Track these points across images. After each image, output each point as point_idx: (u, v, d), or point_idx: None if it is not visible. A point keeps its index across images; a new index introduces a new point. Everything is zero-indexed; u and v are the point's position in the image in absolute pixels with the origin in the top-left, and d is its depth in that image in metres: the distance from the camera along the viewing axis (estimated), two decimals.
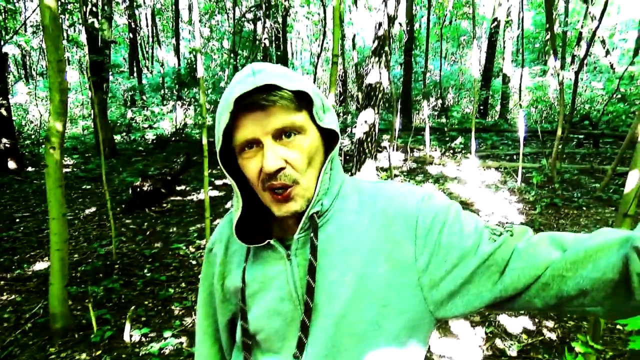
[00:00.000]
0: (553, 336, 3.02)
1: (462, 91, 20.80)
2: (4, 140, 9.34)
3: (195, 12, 4.13)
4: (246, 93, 0.70)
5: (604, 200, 6.19)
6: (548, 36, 8.12)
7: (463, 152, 10.73)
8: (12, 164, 9.44)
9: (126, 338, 2.94)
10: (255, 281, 0.83)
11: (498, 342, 2.96)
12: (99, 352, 2.80)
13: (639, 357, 1.74)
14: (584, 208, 5.95)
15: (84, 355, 2.80)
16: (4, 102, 9.15)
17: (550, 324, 3.18)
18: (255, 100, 0.70)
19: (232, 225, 0.83)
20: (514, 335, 3.05)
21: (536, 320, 3.23)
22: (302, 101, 0.75)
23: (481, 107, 16.69)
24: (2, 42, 9.80)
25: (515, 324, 3.19)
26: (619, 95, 10.68)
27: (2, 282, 3.96)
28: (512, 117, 17.06)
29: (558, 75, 7.22)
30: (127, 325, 2.95)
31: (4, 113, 9.28)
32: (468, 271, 0.72)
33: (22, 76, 21.31)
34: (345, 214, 0.81)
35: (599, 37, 12.72)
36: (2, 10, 16.25)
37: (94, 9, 10.73)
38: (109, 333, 3.00)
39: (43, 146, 11.58)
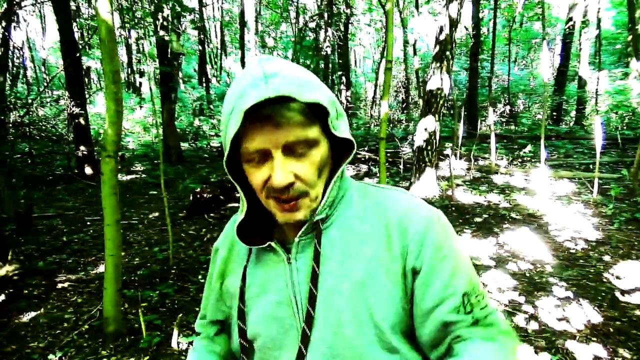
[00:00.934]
0: None
1: (533, 97, 19.75)
2: (82, 147, 10.00)
3: (252, 24, 4.16)
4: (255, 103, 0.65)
5: None
6: (630, 37, 7.46)
7: (532, 161, 10.12)
8: (88, 170, 10.07)
9: (174, 345, 2.95)
10: (255, 283, 0.82)
11: None
12: (146, 358, 2.83)
13: None
14: None
15: None
16: (82, 112, 9.80)
17: (627, 354, 2.83)
18: (268, 114, 0.66)
19: (234, 230, 0.81)
20: None
21: (609, 348, 2.88)
22: (317, 111, 0.70)
23: (554, 114, 15.73)
24: (82, 57, 10.54)
25: (586, 350, 2.87)
26: None
27: (67, 284, 4.16)
28: (588, 124, 15.92)
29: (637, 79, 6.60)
30: (175, 332, 2.97)
31: (82, 122, 9.93)
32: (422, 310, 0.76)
33: (101, 88, 22.84)
34: (349, 220, 0.80)
35: None
36: (86, 27, 17.53)
37: (165, 23, 11.27)
38: (157, 339, 3.03)
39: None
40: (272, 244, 0.79)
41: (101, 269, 4.56)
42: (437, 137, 6.93)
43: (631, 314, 3.33)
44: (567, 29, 15.18)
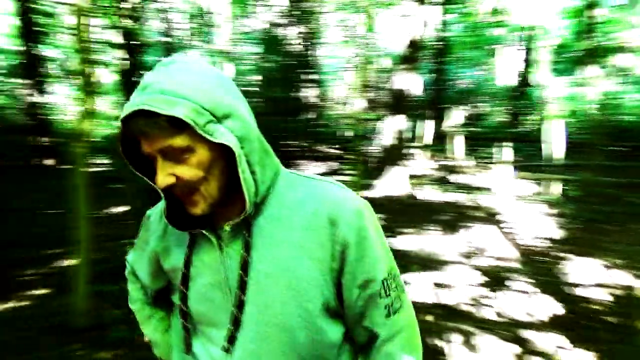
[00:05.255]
0: (590, 357, 2.83)
1: (495, 100, 20.36)
2: (43, 138, 9.62)
3: (226, 16, 4.10)
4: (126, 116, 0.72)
5: None
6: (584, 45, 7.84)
7: (495, 162, 10.45)
8: (49, 161, 9.73)
9: (140, 339, 2.91)
10: (192, 266, 0.87)
11: None
12: (115, 352, 2.78)
13: None
14: (625, 224, 5.66)
15: (102, 354, 2.79)
16: (43, 102, 9.43)
17: (583, 344, 2.99)
18: (136, 125, 0.73)
19: (163, 213, 0.85)
20: (547, 354, 2.87)
21: (568, 338, 3.04)
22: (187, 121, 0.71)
23: (515, 117, 16.28)
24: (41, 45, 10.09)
25: (547, 340, 3.01)
26: None
27: (30, 277, 4.02)
28: (546, 128, 16.57)
29: (595, 85, 6.95)
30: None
31: (42, 112, 9.56)
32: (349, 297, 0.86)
33: (62, 77, 21.95)
34: (277, 208, 0.84)
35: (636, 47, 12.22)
36: (42, 14, 16.80)
37: (130, 12, 10.96)
38: (125, 333, 2.97)
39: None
40: (204, 231, 0.83)
41: (66, 262, 4.42)
42: (405, 137, 7.06)
43: (586, 306, 3.52)
44: (526, 36, 15.74)
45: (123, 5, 10.00)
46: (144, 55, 15.12)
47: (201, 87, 0.74)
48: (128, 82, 11.52)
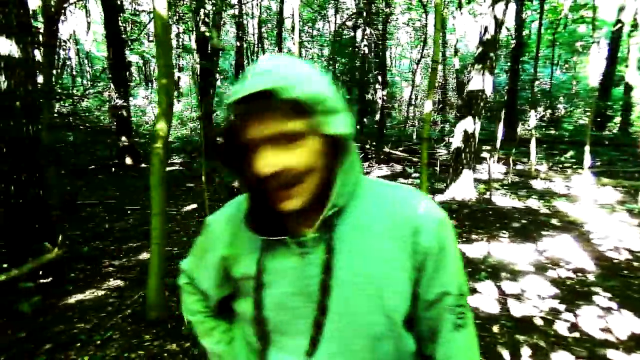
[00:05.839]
0: None
1: (576, 101, 19.12)
2: (123, 138, 10.32)
3: (296, 19, 4.19)
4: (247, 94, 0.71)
5: None
6: None
7: (574, 167, 9.82)
8: (129, 160, 10.38)
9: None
10: (266, 273, 0.84)
11: None
12: (187, 345, 2.92)
13: None
14: None
15: (174, 346, 2.93)
16: (125, 104, 10.11)
17: None
18: (252, 108, 0.72)
19: (243, 216, 0.84)
20: None
21: None
22: (307, 106, 0.72)
23: (598, 119, 15.20)
24: (126, 51, 10.85)
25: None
26: None
27: (111, 269, 4.32)
28: (634, 131, 15.32)
29: None
30: None
31: (125, 114, 10.24)
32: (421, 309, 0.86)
33: (142, 81, 23.44)
34: (360, 215, 0.84)
35: None
36: (129, 22, 18.02)
37: (206, 18, 11.48)
38: None
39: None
40: (287, 238, 0.81)
41: (142, 256, 4.71)
42: (476, 139, 6.83)
43: None
44: (615, 32, 14.63)
45: (200, 12, 10.47)
46: (219, 60, 15.78)
47: (316, 79, 0.76)
48: (203, 86, 12.07)
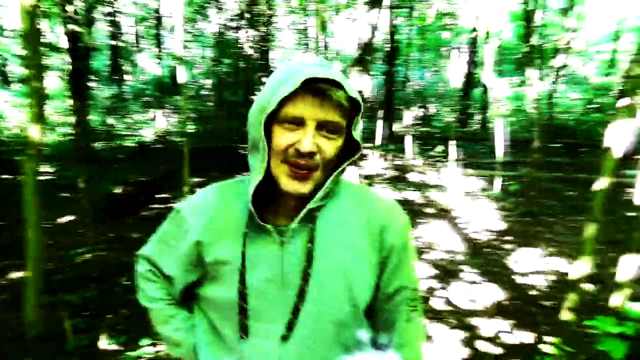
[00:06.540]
0: (530, 339, 3.07)
1: (444, 100, 21.07)
2: None
3: (179, 19, 4.13)
4: (313, 77, 0.78)
5: (579, 208, 6.34)
6: (527, 48, 8.32)
7: (443, 160, 10.86)
8: None
9: (102, 346, 2.90)
10: (246, 259, 0.88)
11: (477, 345, 2.99)
12: None
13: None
14: (560, 216, 6.08)
15: None
16: None
17: (524, 327, 3.23)
18: (321, 90, 0.78)
19: (249, 193, 0.86)
20: (491, 339, 3.09)
21: (510, 323, 3.27)
22: (353, 108, 0.85)
23: (462, 117, 16.92)
24: None
25: (491, 325, 3.24)
26: (596, 106, 10.97)
27: None
28: (491, 127, 17.33)
29: (534, 85, 7.39)
30: (103, 334, 2.91)
31: None
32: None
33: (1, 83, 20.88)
34: (338, 211, 0.92)
35: (573, 49, 13.05)
36: None
37: (75, 15, 10.61)
38: (85, 342, 2.95)
39: (19, 154, 11.41)
40: (269, 227, 0.87)
41: (12, 275, 4.28)
42: None
43: (526, 293, 3.80)
44: (472, 39, 16.42)
45: (68, 7, 9.67)
46: (91, 60, 14.66)
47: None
48: (75, 87, 11.16)
